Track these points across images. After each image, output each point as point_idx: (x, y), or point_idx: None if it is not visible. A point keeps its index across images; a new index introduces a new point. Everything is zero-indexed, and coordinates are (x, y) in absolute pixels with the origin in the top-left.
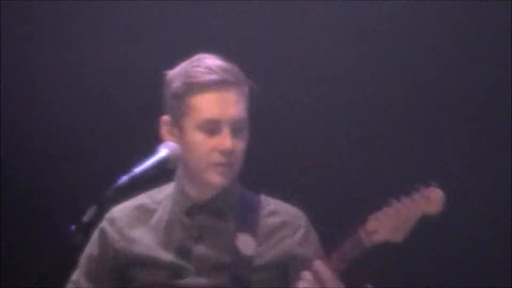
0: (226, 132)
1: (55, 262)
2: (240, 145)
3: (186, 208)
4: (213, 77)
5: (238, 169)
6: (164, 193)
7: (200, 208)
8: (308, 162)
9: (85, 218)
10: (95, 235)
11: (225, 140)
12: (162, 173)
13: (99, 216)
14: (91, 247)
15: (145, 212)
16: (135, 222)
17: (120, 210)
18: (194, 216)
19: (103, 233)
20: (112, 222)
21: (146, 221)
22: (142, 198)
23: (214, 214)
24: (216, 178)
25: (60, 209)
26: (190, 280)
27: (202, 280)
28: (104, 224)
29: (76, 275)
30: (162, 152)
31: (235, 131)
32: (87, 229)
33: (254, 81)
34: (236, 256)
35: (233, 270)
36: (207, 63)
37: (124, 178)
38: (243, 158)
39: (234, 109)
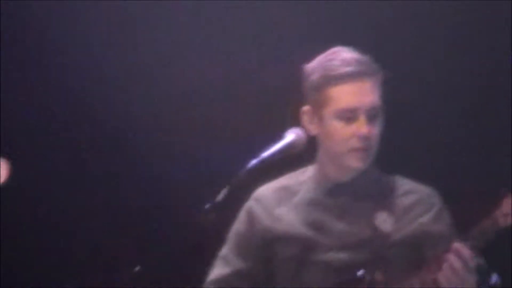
0: (362, 119)
1: (190, 240)
2: (375, 131)
3: (327, 189)
4: (349, 69)
5: (374, 153)
6: (306, 175)
7: (340, 188)
8: None
9: (218, 199)
10: (242, 213)
11: (362, 127)
12: (289, 157)
13: (230, 197)
14: (239, 225)
15: (288, 192)
16: (280, 201)
17: (266, 190)
18: (334, 196)
19: (250, 212)
20: (259, 201)
21: (290, 200)
22: (285, 179)
23: (353, 194)
24: (355, 163)
25: (195, 190)
26: (331, 255)
27: (342, 256)
28: (251, 203)
29: (225, 251)
30: (289, 137)
31: (371, 118)
32: (220, 209)
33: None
34: (374, 233)
35: (371, 246)
36: (343, 56)
37: (254, 162)
38: (378, 142)
39: (369, 97)
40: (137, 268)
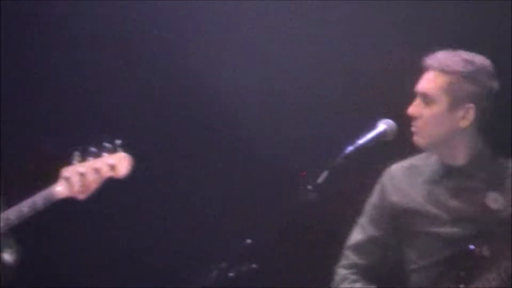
0: (416, 101)
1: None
2: (424, 113)
3: (445, 170)
4: (428, 61)
5: (427, 134)
6: (433, 157)
7: (456, 170)
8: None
9: (319, 180)
10: (377, 187)
11: (411, 107)
12: (381, 144)
13: (330, 178)
14: (373, 197)
15: (416, 171)
16: (408, 179)
17: (398, 168)
18: (451, 177)
19: (383, 186)
20: (391, 177)
21: (416, 179)
22: (415, 160)
23: (467, 175)
24: (414, 138)
25: (297, 172)
26: (445, 228)
27: (455, 230)
28: (384, 178)
29: (362, 219)
30: (381, 127)
31: (424, 101)
32: (320, 189)
33: None
34: (484, 211)
35: (481, 222)
36: (439, 52)
37: (350, 148)
38: (436, 125)
39: (426, 85)
40: (248, 241)
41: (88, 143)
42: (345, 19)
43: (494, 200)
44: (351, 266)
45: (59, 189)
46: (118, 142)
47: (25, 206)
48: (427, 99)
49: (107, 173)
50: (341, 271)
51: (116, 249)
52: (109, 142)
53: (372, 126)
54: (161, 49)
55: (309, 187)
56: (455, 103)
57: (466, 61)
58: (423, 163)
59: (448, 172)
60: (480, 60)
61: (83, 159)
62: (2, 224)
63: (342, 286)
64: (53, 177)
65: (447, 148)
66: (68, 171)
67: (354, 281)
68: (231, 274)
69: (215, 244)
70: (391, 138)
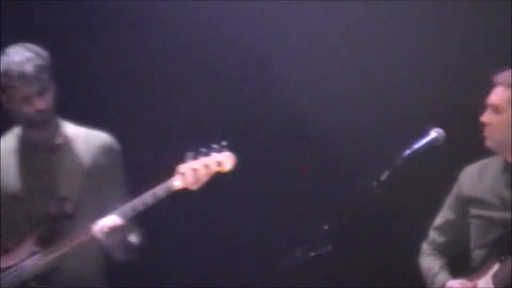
0: (487, 111)
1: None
2: (494, 121)
3: (504, 166)
4: (495, 78)
5: (495, 138)
6: (501, 157)
7: (509, 166)
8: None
9: (382, 178)
10: (456, 181)
11: (483, 116)
12: (432, 149)
13: (391, 177)
14: (453, 189)
15: (486, 167)
16: (478, 173)
17: (473, 166)
18: (508, 172)
19: (459, 180)
20: (465, 173)
21: (484, 174)
22: (487, 160)
23: None
24: (485, 142)
25: (363, 171)
26: (497, 213)
27: (504, 214)
28: (461, 174)
29: (444, 206)
30: (432, 134)
31: (493, 111)
32: (383, 186)
33: None
34: None
35: None
36: (504, 71)
37: (407, 152)
38: (503, 130)
39: (493, 97)
40: (325, 227)
41: (199, 145)
42: (413, 22)
43: None
44: (431, 243)
45: (176, 182)
46: (224, 143)
47: (148, 196)
48: (496, 109)
49: (215, 168)
50: (423, 246)
51: (220, 235)
52: (217, 143)
53: (425, 134)
54: (242, 55)
55: (374, 183)
56: None
57: None
58: (492, 163)
59: (506, 168)
60: None
61: (195, 157)
62: (130, 212)
63: (421, 258)
64: (170, 173)
65: (510, 149)
66: (183, 167)
67: (429, 254)
68: (311, 254)
69: (300, 229)
70: (440, 144)
